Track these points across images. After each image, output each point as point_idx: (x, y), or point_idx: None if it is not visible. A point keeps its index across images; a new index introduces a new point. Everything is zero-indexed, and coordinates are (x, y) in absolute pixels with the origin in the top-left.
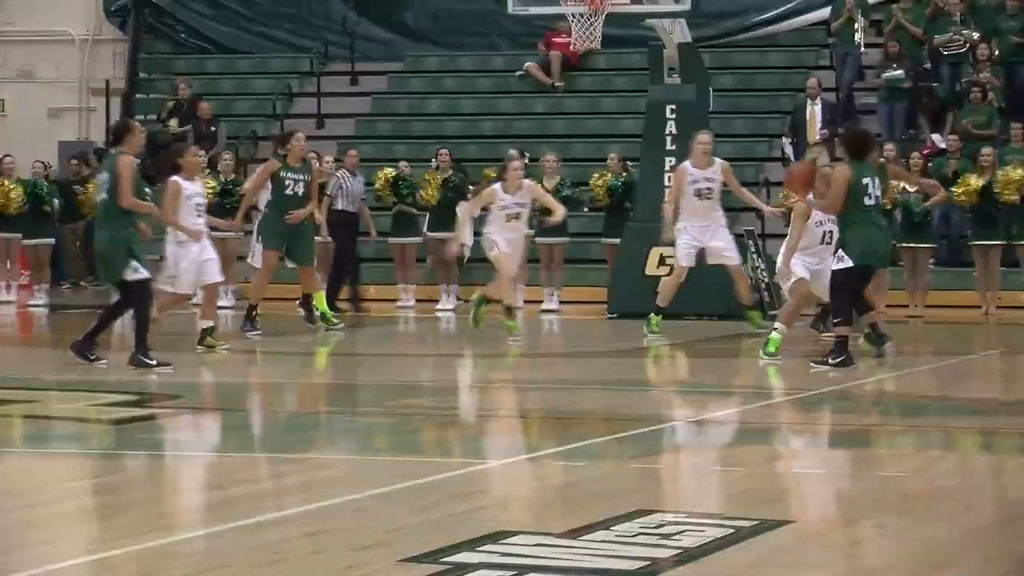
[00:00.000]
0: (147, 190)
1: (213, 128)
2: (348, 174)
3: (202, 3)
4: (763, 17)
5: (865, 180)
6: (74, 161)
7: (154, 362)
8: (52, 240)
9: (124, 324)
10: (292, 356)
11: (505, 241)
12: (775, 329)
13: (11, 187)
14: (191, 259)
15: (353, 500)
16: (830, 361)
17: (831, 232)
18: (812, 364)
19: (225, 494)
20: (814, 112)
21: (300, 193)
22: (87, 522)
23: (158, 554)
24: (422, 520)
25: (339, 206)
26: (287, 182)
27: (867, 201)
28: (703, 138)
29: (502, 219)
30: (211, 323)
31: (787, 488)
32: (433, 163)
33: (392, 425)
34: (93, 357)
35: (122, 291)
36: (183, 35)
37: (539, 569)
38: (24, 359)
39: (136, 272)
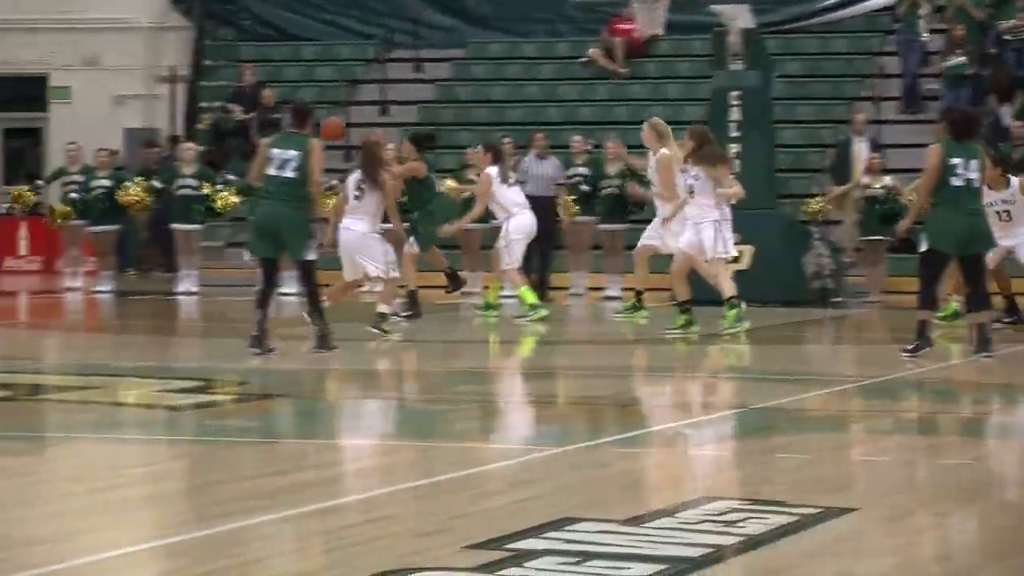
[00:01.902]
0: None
1: (277, 116)
2: (535, 158)
3: None
4: (829, 3)
5: (955, 160)
6: (157, 148)
7: (336, 345)
8: (118, 227)
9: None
10: (355, 343)
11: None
12: None
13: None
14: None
15: (416, 487)
16: (907, 348)
17: (1004, 212)
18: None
19: (289, 480)
20: (860, 149)
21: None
22: (151, 508)
23: (222, 540)
24: (485, 507)
25: (528, 190)
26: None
27: (954, 182)
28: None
29: None
30: (389, 309)
31: (851, 476)
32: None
33: (451, 411)
34: (272, 347)
35: (301, 270)
36: (248, 22)
37: (603, 556)
38: (90, 345)
39: (313, 252)
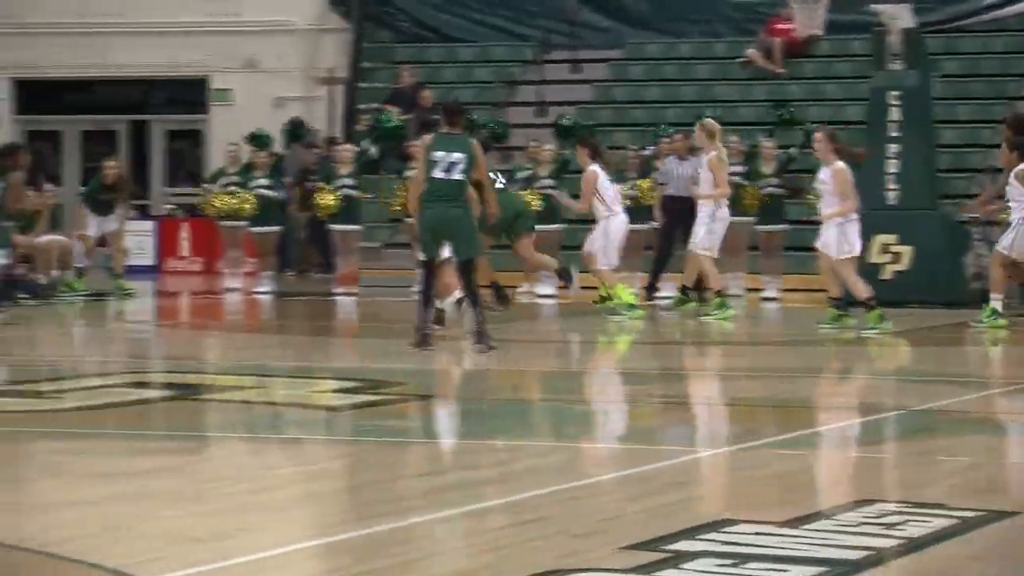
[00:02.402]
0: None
1: (435, 116)
2: (677, 159)
3: None
4: (990, 2)
5: None
6: (316, 149)
7: (495, 344)
8: (279, 228)
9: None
10: (518, 344)
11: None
12: None
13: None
14: None
15: (571, 488)
16: None
17: None
18: None
19: (446, 480)
20: None
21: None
22: (311, 507)
23: (380, 540)
24: (640, 508)
25: (670, 191)
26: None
27: None
28: None
29: None
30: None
31: (1013, 479)
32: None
33: (605, 413)
34: (494, 344)
35: (461, 269)
36: (405, 24)
37: (761, 558)
38: (250, 346)
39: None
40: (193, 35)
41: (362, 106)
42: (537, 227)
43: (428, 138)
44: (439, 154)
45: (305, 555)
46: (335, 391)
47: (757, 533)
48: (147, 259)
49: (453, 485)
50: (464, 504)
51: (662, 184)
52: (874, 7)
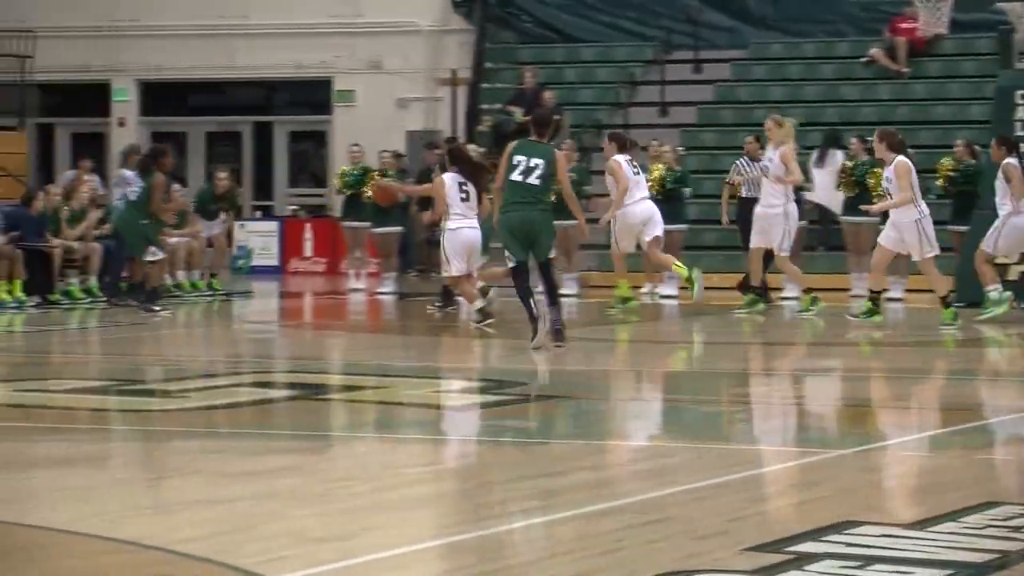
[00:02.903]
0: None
1: (557, 117)
2: (748, 160)
3: None
4: None
5: None
6: (438, 151)
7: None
8: (400, 228)
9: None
10: (640, 344)
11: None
12: None
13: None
14: None
15: (692, 488)
16: None
17: None
18: None
19: (567, 481)
20: None
21: None
22: (433, 507)
23: (501, 540)
24: (762, 509)
25: (743, 193)
26: None
27: None
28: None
29: None
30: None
31: None
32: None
33: (728, 414)
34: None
35: (545, 268)
36: (528, 24)
37: (886, 560)
38: (374, 346)
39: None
40: (317, 36)
41: (484, 106)
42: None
43: (511, 145)
44: (520, 158)
45: (427, 555)
46: (458, 391)
47: (881, 535)
48: (271, 260)
49: (575, 485)
50: (586, 504)
51: (731, 184)
52: (1000, 5)
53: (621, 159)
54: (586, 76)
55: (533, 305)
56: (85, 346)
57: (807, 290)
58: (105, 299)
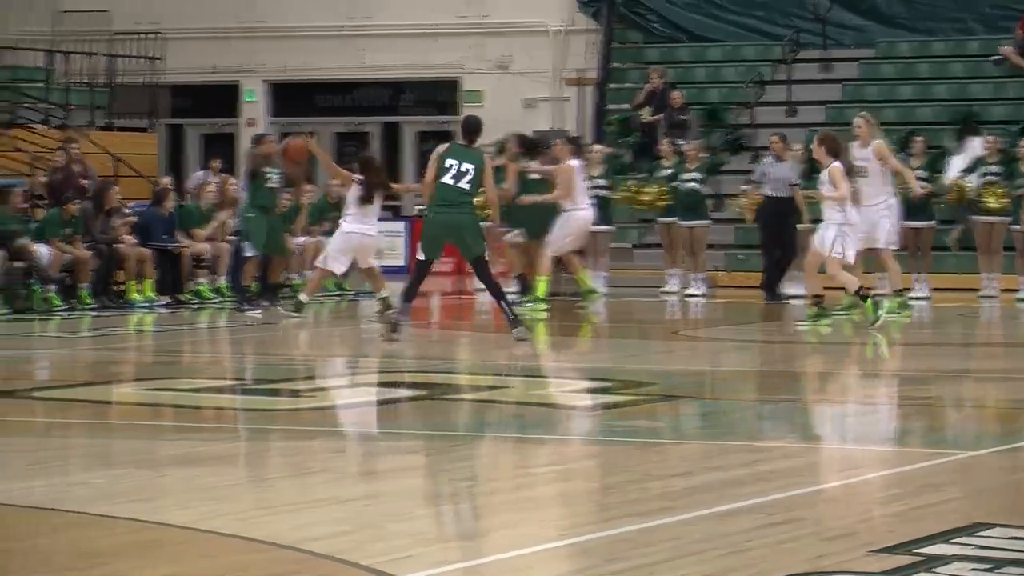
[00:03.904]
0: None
1: (685, 117)
2: (774, 159)
3: None
4: None
5: None
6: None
7: None
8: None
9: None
10: (756, 344)
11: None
12: None
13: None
14: None
15: (821, 489)
16: None
17: None
18: None
19: (694, 481)
20: None
21: None
22: (560, 506)
23: (627, 541)
24: (891, 511)
25: (767, 192)
26: None
27: None
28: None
29: None
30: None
31: None
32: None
33: (856, 414)
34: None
35: (476, 269)
36: (655, 24)
37: (1017, 563)
38: (500, 345)
39: None
40: (444, 37)
41: (611, 107)
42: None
43: (442, 148)
44: (452, 162)
45: (553, 555)
46: (583, 391)
47: (1012, 538)
48: (398, 259)
49: (702, 486)
50: (713, 505)
51: (755, 183)
52: None
53: (575, 164)
54: (713, 76)
55: (411, 303)
56: (213, 345)
57: (899, 291)
58: (235, 299)
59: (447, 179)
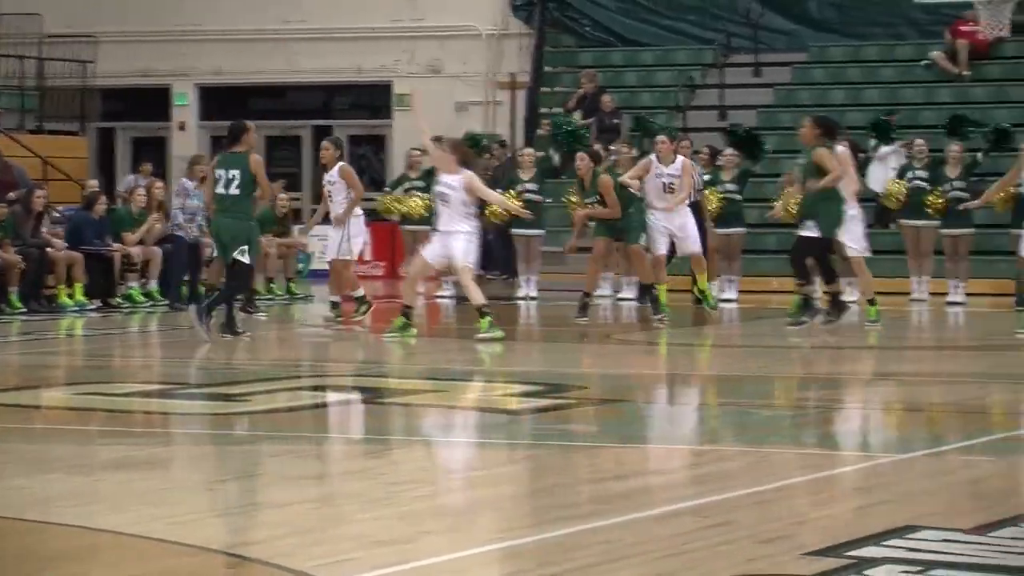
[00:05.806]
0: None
1: (616, 121)
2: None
3: None
4: None
5: None
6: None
7: None
8: None
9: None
10: (689, 348)
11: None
12: None
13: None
14: None
15: (755, 492)
16: None
17: None
18: None
19: (627, 485)
20: None
21: None
22: (491, 511)
23: (560, 544)
24: (824, 513)
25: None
26: None
27: None
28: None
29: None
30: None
31: None
32: None
33: (791, 417)
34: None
35: (227, 271)
36: (587, 28)
37: (947, 565)
38: (432, 350)
39: None
40: (377, 40)
41: (544, 111)
42: (719, 230)
43: (216, 158)
44: (220, 172)
45: (487, 559)
46: (517, 395)
47: (943, 540)
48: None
49: (636, 489)
50: (647, 508)
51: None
52: None
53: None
54: (645, 80)
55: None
56: (146, 349)
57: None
58: (167, 303)
59: (219, 189)
